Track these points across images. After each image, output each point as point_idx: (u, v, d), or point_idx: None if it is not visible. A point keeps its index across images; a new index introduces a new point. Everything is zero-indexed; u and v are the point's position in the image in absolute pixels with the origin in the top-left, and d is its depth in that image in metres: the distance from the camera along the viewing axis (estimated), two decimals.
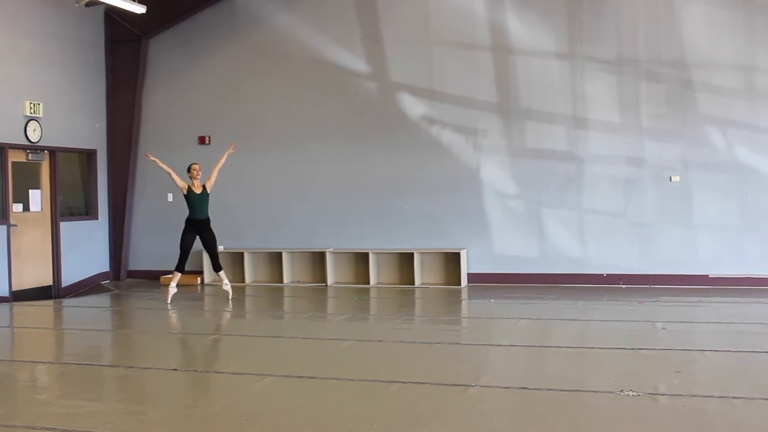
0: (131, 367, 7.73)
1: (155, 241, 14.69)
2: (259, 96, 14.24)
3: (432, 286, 13.22)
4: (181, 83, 14.65)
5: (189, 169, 12.00)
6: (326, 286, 13.57)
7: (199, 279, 14.13)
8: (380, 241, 13.58)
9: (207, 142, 14.40)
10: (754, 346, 8.02)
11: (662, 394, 6.22)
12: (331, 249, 13.75)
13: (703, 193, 12.45)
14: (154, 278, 14.46)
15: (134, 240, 14.93)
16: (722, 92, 12.33)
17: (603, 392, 6.34)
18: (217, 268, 12.10)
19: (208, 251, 12.16)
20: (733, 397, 6.10)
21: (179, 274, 11.99)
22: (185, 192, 11.89)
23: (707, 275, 12.44)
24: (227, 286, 12.14)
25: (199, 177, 11.91)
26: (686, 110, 12.47)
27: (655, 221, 12.64)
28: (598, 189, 12.82)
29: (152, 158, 11.92)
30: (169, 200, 14.53)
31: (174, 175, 11.85)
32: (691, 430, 5.52)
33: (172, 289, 11.94)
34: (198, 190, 11.93)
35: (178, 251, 11.92)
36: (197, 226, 11.90)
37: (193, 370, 7.60)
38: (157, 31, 14.64)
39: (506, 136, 13.13)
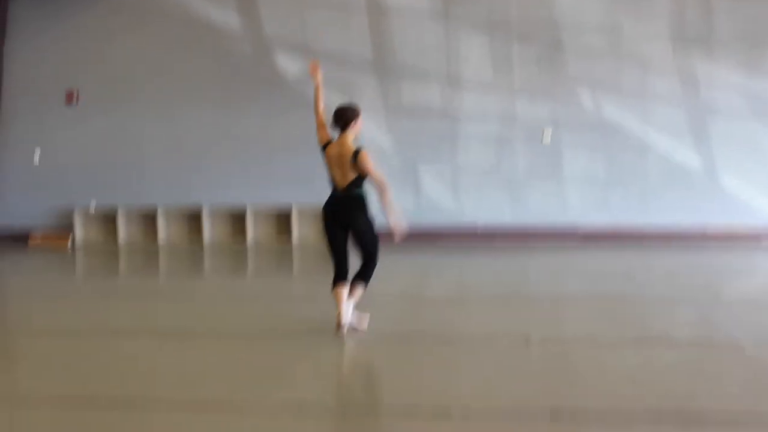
0: None
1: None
2: (131, 54, 13.70)
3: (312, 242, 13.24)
4: (47, 41, 13.93)
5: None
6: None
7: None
8: (258, 199, 13.43)
9: (75, 102, 13.86)
10: None
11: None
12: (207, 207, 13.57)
13: (573, 151, 12.90)
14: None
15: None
16: (589, 53, 12.76)
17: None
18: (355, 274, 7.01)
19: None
20: None
21: (344, 288, 6.86)
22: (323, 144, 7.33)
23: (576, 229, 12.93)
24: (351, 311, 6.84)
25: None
26: (556, 71, 12.84)
27: (526, 178, 13.01)
28: (471, 147, 13.08)
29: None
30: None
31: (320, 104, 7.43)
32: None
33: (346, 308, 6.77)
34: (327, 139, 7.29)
35: None
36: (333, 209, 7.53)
37: None
38: None
39: (382, 95, 13.22)
